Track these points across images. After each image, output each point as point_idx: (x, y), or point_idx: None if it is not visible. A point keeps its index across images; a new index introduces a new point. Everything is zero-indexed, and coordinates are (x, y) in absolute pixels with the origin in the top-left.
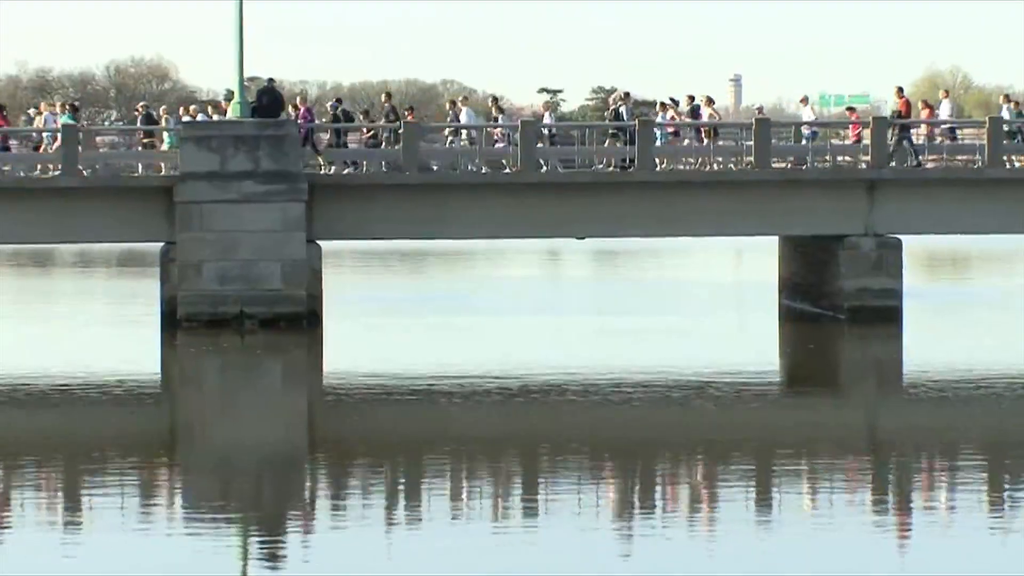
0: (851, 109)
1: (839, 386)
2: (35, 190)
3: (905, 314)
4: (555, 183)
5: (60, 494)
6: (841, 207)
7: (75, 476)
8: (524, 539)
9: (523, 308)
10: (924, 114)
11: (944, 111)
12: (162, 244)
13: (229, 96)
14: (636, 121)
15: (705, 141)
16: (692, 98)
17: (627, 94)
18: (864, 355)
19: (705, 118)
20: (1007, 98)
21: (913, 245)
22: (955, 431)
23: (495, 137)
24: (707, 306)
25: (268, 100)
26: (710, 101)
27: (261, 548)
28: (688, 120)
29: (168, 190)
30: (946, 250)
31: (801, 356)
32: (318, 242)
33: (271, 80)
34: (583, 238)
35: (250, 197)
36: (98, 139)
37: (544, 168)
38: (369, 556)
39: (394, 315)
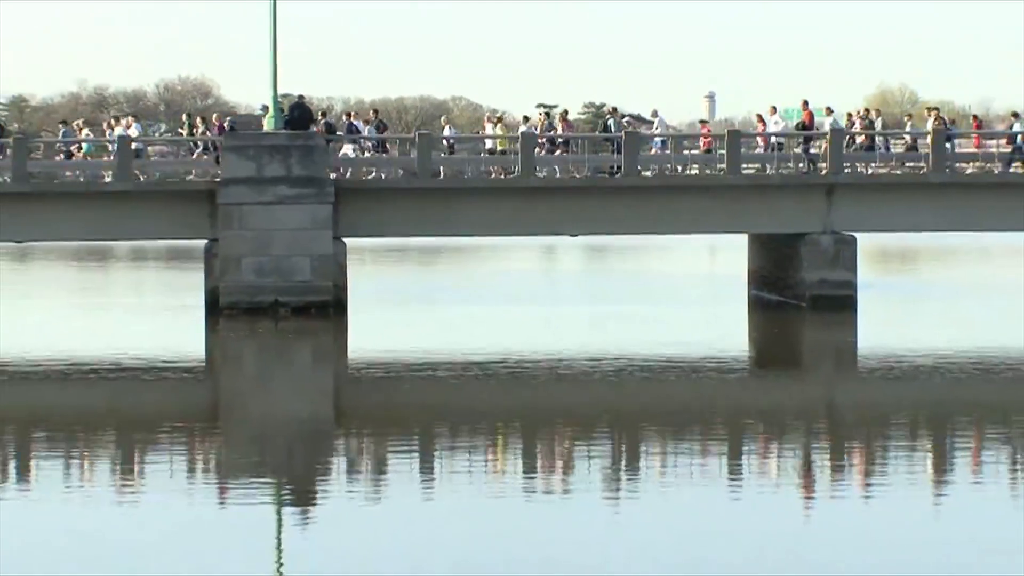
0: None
1: (801, 366)
2: (95, 193)
3: (859, 303)
4: (551, 187)
5: (117, 458)
6: (802, 208)
7: (130, 442)
8: (524, 497)
9: (523, 297)
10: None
11: (826, 125)
12: (206, 241)
13: (265, 110)
14: (623, 133)
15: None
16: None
17: (615, 109)
18: (823, 339)
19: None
20: (929, 111)
21: (866, 242)
22: (902, 405)
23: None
24: (684, 295)
25: (298, 114)
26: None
27: (292, 507)
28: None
29: (211, 193)
30: (896, 246)
31: (767, 340)
32: (343, 239)
33: (301, 97)
34: (576, 235)
35: (283, 199)
36: (149, 148)
37: (542, 173)
38: (387, 513)
39: (410, 303)
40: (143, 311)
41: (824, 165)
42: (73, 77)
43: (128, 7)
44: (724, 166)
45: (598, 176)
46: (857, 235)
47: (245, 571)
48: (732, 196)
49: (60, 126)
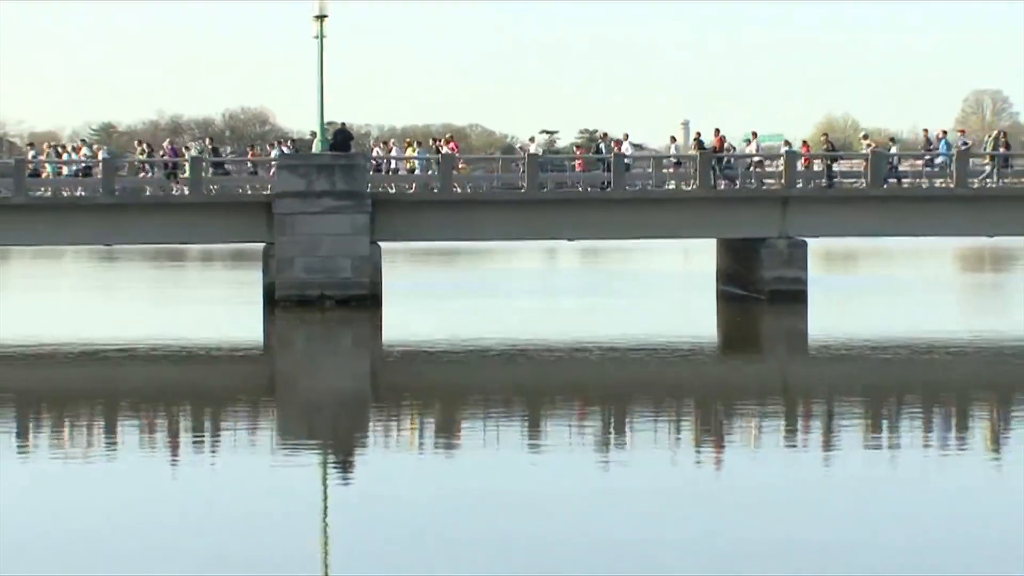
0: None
1: (761, 349)
2: (170, 204)
3: (809, 296)
4: (552, 199)
5: (188, 425)
6: (762, 217)
7: (200, 412)
8: (535, 459)
9: (529, 291)
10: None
11: (752, 148)
12: (263, 244)
13: (313, 136)
14: (612, 154)
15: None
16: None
17: (605, 134)
18: (779, 326)
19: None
20: (865, 137)
21: (815, 245)
22: (846, 380)
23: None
24: (663, 290)
25: (341, 139)
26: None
27: (336, 467)
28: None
29: (268, 204)
30: (840, 249)
31: (733, 327)
32: (378, 243)
33: (343, 124)
34: (573, 240)
35: (328, 210)
36: (219, 166)
37: (544, 188)
38: (415, 469)
39: (435, 297)
40: (211, 304)
41: (774, 181)
42: (153, 107)
43: (199, 46)
44: (697, 182)
45: (591, 190)
46: (807, 239)
47: (300, 513)
48: (703, 207)
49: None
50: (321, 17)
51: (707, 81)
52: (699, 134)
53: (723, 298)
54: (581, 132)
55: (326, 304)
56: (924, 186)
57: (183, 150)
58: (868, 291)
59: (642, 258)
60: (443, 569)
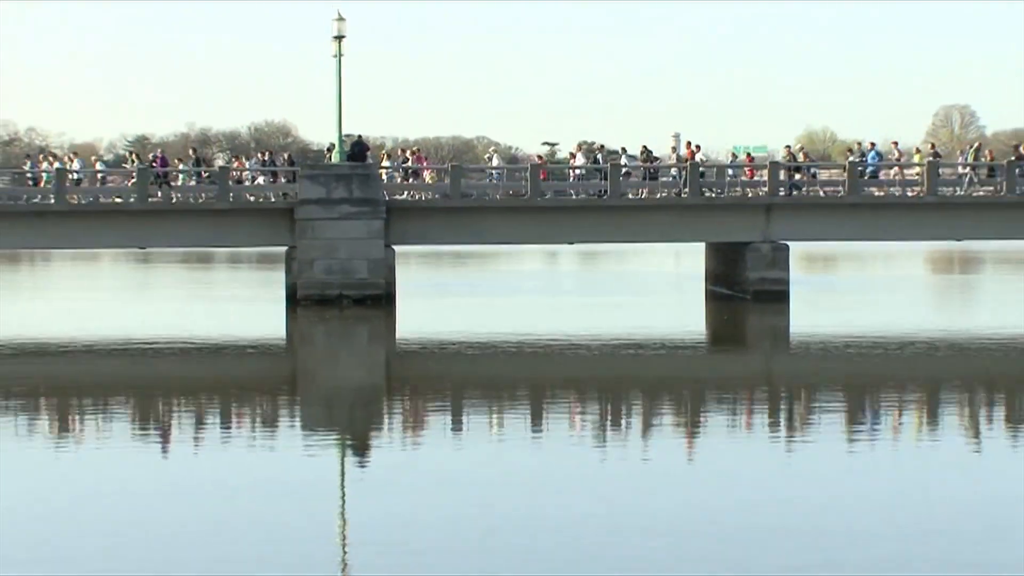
0: (749, 156)
1: (746, 343)
2: (200, 210)
3: (791, 296)
4: (553, 206)
5: (215, 415)
6: (747, 222)
7: (227, 403)
8: (532, 442)
9: (531, 291)
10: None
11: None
12: (286, 247)
13: (331, 147)
14: (608, 165)
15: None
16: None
17: (602, 146)
18: (763, 323)
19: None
20: (850, 150)
21: (796, 249)
22: (825, 373)
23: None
24: (656, 290)
25: (357, 150)
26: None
27: (353, 454)
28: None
29: (290, 211)
30: (820, 252)
31: (720, 324)
32: (392, 246)
33: (360, 136)
34: (572, 243)
35: (346, 215)
36: (243, 175)
37: (546, 195)
38: (426, 454)
39: (445, 296)
40: (237, 302)
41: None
42: (184, 120)
43: (227, 64)
44: (687, 189)
45: (589, 197)
46: (789, 243)
47: (320, 496)
48: (693, 213)
49: (177, 161)
50: (339, 38)
51: (697, 96)
52: (690, 144)
53: (711, 297)
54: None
55: (344, 303)
56: (897, 194)
57: (175, 160)
58: (846, 291)
59: (637, 260)
60: (448, 540)
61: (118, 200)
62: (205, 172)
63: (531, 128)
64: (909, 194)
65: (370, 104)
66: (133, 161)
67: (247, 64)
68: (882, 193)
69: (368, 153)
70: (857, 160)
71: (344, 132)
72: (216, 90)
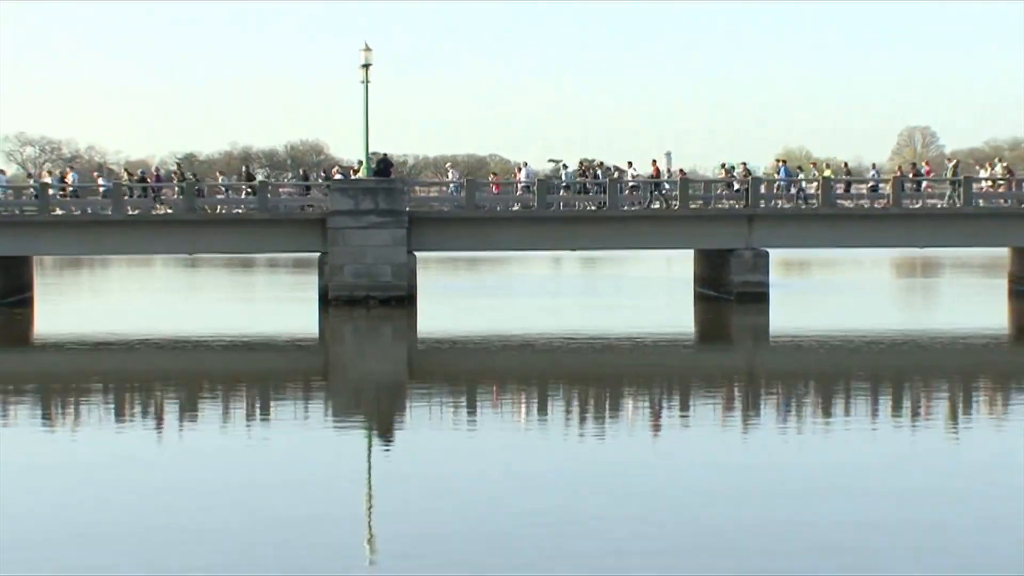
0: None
1: (730, 340)
2: (241, 220)
3: (771, 297)
4: (558, 216)
5: (255, 402)
6: (732, 231)
7: (266, 391)
8: (542, 430)
9: (538, 292)
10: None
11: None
12: (319, 253)
13: (360, 164)
14: (608, 180)
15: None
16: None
17: (601, 163)
18: (745, 322)
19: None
20: (828, 166)
21: (776, 255)
22: (801, 366)
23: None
24: (649, 291)
25: (383, 167)
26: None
27: (379, 437)
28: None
29: (322, 220)
30: (796, 258)
31: (707, 322)
32: (414, 252)
33: (385, 154)
34: (575, 250)
35: (373, 225)
36: (280, 189)
37: (551, 207)
38: (445, 437)
39: (461, 297)
40: (275, 303)
41: (742, 202)
42: (228, 139)
43: (267, 88)
44: (677, 202)
45: (590, 209)
46: (769, 250)
47: (348, 473)
48: (683, 223)
49: (219, 175)
50: (366, 66)
51: (687, 118)
52: (680, 169)
53: (699, 298)
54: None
55: (370, 303)
56: (866, 206)
57: (171, 176)
58: (820, 293)
59: (632, 265)
60: (465, 510)
61: (169, 211)
62: (247, 185)
63: (539, 146)
64: (876, 206)
65: (394, 124)
66: (184, 177)
67: (284, 88)
68: (852, 205)
69: (392, 169)
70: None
71: (371, 150)
72: (256, 112)
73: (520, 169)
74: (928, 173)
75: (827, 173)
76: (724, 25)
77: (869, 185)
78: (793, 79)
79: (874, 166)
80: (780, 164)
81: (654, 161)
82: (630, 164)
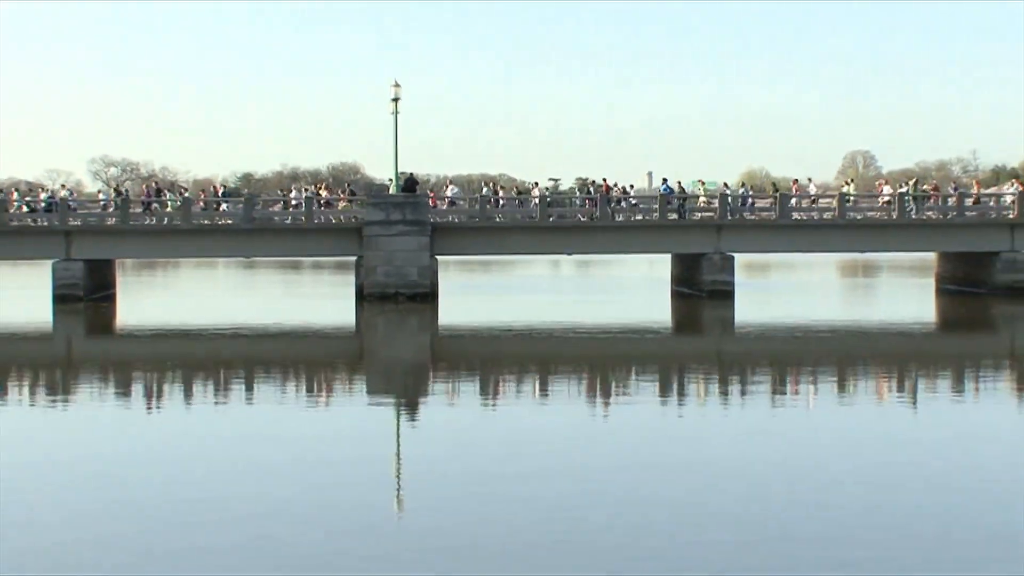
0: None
1: (701, 330)
2: (291, 229)
3: (736, 294)
4: (558, 226)
5: (303, 381)
6: (703, 238)
7: (312, 372)
8: (544, 404)
9: (540, 290)
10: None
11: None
12: (356, 257)
13: (391, 182)
14: (599, 195)
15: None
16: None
17: (594, 181)
18: (715, 315)
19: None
20: (796, 182)
21: (741, 258)
22: (763, 352)
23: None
24: (633, 289)
25: (410, 184)
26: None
27: (406, 408)
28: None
29: (359, 229)
30: (758, 260)
31: (682, 315)
32: (436, 256)
33: (411, 174)
34: (571, 254)
35: (401, 233)
36: (325, 204)
37: (552, 218)
38: (464, 413)
39: (476, 294)
40: (318, 299)
41: (712, 214)
42: (279, 160)
43: (314, 117)
44: (657, 214)
45: (584, 220)
46: (735, 254)
47: (379, 441)
48: (662, 231)
49: (278, 191)
50: (395, 100)
51: (667, 142)
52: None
53: (675, 295)
54: (577, 179)
55: (399, 299)
56: (816, 217)
57: (165, 192)
58: (777, 290)
59: (619, 267)
60: (479, 465)
61: (229, 221)
62: (294, 200)
63: (541, 167)
64: (825, 217)
65: (418, 147)
66: (240, 193)
67: (326, 117)
68: (804, 217)
69: (417, 186)
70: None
71: (399, 170)
72: (303, 137)
73: (535, 185)
74: (936, 189)
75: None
76: (705, 65)
77: (811, 198)
78: (752, 109)
79: (810, 180)
80: (663, 182)
81: (604, 179)
82: (631, 186)
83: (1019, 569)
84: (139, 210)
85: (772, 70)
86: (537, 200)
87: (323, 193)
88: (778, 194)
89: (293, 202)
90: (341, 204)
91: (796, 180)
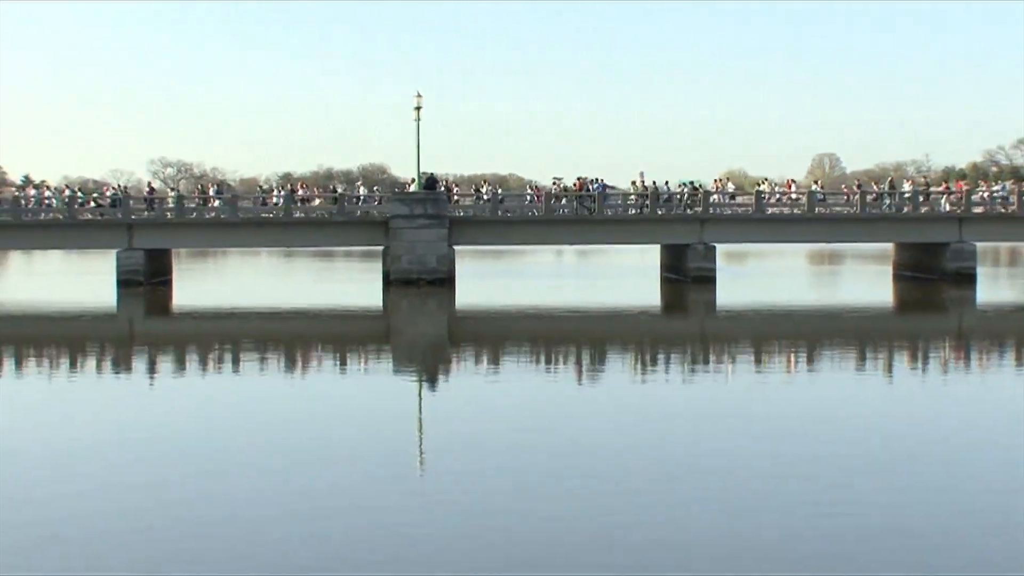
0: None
1: (686, 311)
2: (326, 222)
3: (718, 279)
4: (560, 219)
5: (338, 354)
6: (688, 230)
7: (343, 347)
8: (549, 375)
9: (545, 275)
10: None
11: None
12: (383, 247)
13: (413, 181)
14: (597, 193)
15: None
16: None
17: (593, 179)
18: (698, 297)
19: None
20: (757, 184)
21: (721, 248)
22: (742, 330)
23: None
24: (627, 275)
25: (430, 183)
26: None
27: (427, 379)
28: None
29: (385, 222)
30: (736, 250)
31: (669, 298)
32: (453, 247)
33: (432, 173)
34: (572, 245)
35: (423, 226)
36: (355, 200)
37: (555, 212)
38: (477, 382)
39: (489, 279)
40: (350, 283)
41: (699, 208)
42: (316, 161)
43: (346, 123)
44: (647, 209)
45: (584, 214)
46: (716, 244)
47: (403, 408)
48: (652, 224)
49: (315, 190)
50: (417, 108)
51: (656, 145)
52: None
53: (664, 281)
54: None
55: (421, 284)
56: (786, 211)
57: (307, 187)
58: (754, 276)
59: (615, 256)
60: (491, 428)
61: (272, 216)
62: (333, 195)
63: (546, 166)
64: (796, 212)
65: (438, 149)
66: (283, 189)
67: (358, 122)
68: (777, 211)
69: (436, 184)
70: (598, 192)
71: (421, 170)
72: (337, 140)
73: (577, 186)
74: (945, 186)
75: (763, 187)
76: (690, 78)
77: (785, 195)
78: (731, 115)
79: (765, 180)
80: (719, 183)
81: (579, 178)
82: (633, 182)
83: (962, 497)
84: (192, 205)
85: (750, 80)
86: (539, 196)
87: (299, 191)
88: (756, 191)
89: (274, 200)
90: (317, 201)
91: (792, 180)
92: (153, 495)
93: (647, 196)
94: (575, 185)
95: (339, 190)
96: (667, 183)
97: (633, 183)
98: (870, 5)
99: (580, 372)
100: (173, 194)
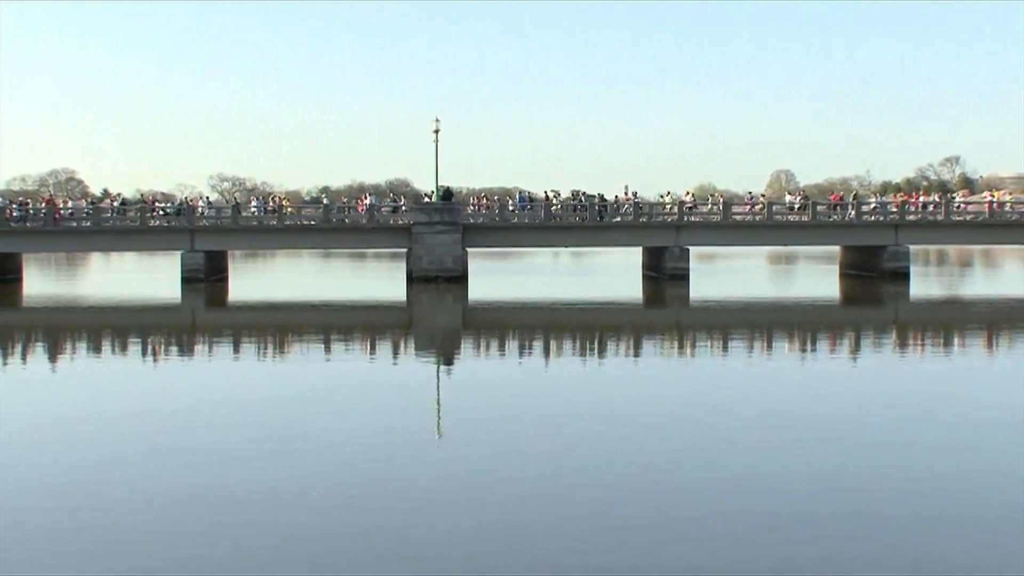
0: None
1: (664, 304)
2: (356, 227)
3: (691, 277)
4: (559, 226)
5: (363, 340)
6: (664, 235)
7: (370, 335)
8: (556, 360)
9: (545, 273)
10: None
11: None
12: (407, 249)
13: (432, 192)
14: (589, 203)
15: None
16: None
17: (585, 192)
18: (674, 292)
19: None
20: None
21: (694, 251)
22: (713, 320)
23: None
24: (613, 274)
25: (446, 195)
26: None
27: (444, 363)
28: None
29: (408, 228)
30: (707, 252)
31: (650, 293)
32: (467, 248)
33: (448, 187)
34: (568, 247)
35: (440, 231)
36: (383, 209)
37: (553, 220)
38: (489, 365)
39: (497, 276)
40: (378, 280)
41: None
42: (349, 176)
43: (375, 143)
44: (631, 217)
45: (579, 222)
46: (690, 247)
47: (422, 388)
48: (635, 230)
49: (343, 199)
50: (436, 131)
51: (638, 162)
52: (635, 193)
53: (645, 278)
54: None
55: (439, 281)
56: (748, 219)
57: (342, 199)
58: (722, 274)
59: (603, 257)
60: (503, 404)
61: (312, 223)
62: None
63: (544, 179)
64: (756, 219)
65: (455, 164)
66: (322, 201)
67: (386, 143)
68: (741, 218)
69: (453, 196)
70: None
71: (439, 183)
72: (368, 157)
73: (603, 197)
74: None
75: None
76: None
77: (748, 206)
78: (700, 135)
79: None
80: (519, 193)
81: (546, 193)
82: (616, 197)
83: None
84: (246, 214)
85: (717, 103)
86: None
87: (285, 203)
88: (722, 202)
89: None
90: (301, 210)
91: (764, 193)
92: (215, 449)
93: (576, 207)
94: (629, 197)
95: (370, 201)
96: (634, 193)
97: (617, 197)
98: (822, 40)
99: (576, 353)
100: (229, 205)
